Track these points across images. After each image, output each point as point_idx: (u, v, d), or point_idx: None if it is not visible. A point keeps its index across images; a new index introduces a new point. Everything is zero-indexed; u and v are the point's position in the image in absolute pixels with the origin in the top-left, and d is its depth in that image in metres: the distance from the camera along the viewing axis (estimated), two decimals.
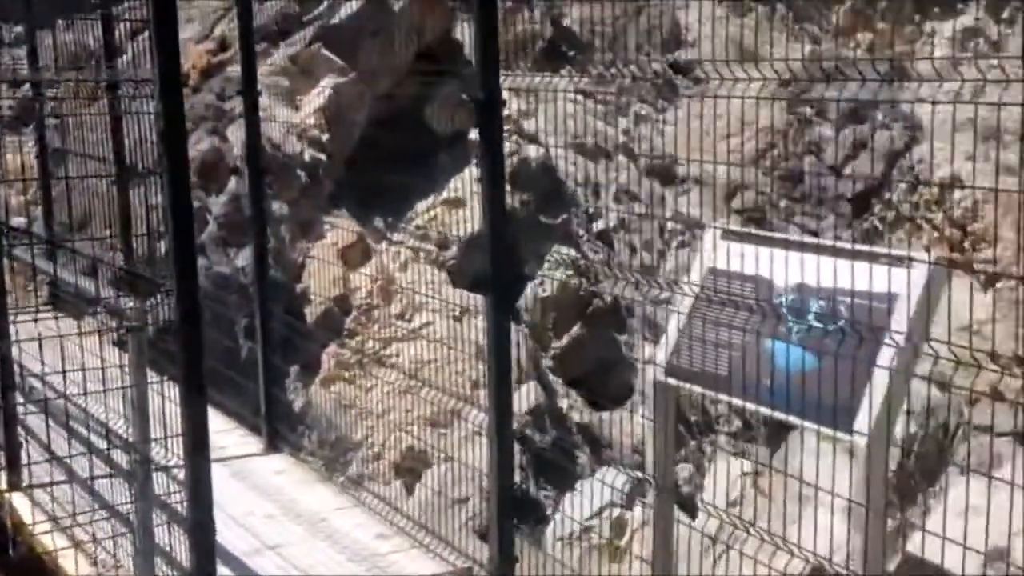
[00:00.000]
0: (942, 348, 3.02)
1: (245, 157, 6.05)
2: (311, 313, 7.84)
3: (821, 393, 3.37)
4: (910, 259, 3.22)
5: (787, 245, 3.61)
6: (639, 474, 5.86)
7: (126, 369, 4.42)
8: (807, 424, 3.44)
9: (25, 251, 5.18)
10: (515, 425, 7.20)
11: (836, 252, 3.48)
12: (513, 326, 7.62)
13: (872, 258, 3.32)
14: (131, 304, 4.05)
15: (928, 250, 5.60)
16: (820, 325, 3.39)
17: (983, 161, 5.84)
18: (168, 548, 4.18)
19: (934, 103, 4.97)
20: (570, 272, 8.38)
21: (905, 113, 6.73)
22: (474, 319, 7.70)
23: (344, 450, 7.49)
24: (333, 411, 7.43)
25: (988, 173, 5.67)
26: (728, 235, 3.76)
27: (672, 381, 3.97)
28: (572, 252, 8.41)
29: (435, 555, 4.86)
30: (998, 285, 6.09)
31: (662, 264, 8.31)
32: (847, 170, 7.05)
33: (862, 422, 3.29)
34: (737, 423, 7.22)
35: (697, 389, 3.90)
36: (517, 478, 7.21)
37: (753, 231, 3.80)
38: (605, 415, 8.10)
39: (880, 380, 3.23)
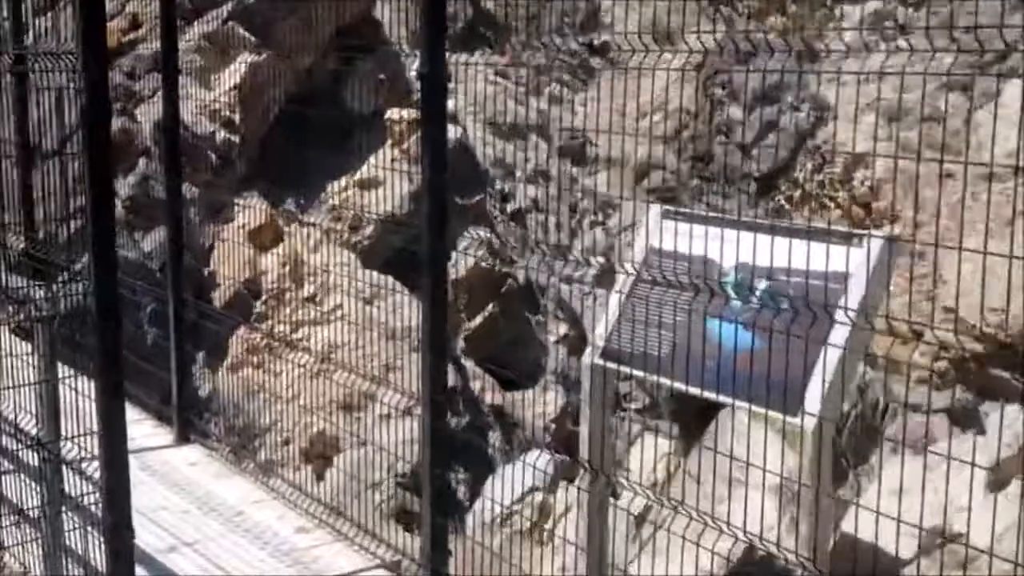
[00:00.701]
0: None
1: (162, 137, 5.67)
2: (219, 297, 7.48)
3: (763, 373, 3.22)
4: (869, 235, 3.09)
5: (731, 224, 3.45)
6: (567, 457, 5.68)
7: (30, 360, 4.07)
8: (755, 408, 3.29)
9: None
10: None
11: (781, 231, 3.34)
12: (424, 308, 7.40)
13: (821, 236, 3.17)
14: (41, 292, 3.69)
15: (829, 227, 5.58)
16: (766, 304, 3.23)
17: (885, 141, 5.82)
18: (81, 552, 3.84)
19: (839, 73, 4.87)
20: (484, 252, 8.18)
21: (813, 94, 6.68)
22: (384, 301, 7.45)
23: (252, 437, 7.18)
24: (241, 397, 7.10)
25: (890, 152, 5.65)
26: (669, 214, 3.58)
27: (608, 364, 3.79)
28: (486, 233, 8.21)
29: (359, 547, 4.61)
30: (898, 261, 6.11)
31: (574, 243, 8.17)
32: (755, 150, 6.99)
33: (811, 402, 3.15)
34: (646, 400, 7.12)
35: (637, 372, 3.72)
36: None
37: (695, 211, 3.63)
38: (517, 395, 7.94)
39: (830, 359, 3.09)
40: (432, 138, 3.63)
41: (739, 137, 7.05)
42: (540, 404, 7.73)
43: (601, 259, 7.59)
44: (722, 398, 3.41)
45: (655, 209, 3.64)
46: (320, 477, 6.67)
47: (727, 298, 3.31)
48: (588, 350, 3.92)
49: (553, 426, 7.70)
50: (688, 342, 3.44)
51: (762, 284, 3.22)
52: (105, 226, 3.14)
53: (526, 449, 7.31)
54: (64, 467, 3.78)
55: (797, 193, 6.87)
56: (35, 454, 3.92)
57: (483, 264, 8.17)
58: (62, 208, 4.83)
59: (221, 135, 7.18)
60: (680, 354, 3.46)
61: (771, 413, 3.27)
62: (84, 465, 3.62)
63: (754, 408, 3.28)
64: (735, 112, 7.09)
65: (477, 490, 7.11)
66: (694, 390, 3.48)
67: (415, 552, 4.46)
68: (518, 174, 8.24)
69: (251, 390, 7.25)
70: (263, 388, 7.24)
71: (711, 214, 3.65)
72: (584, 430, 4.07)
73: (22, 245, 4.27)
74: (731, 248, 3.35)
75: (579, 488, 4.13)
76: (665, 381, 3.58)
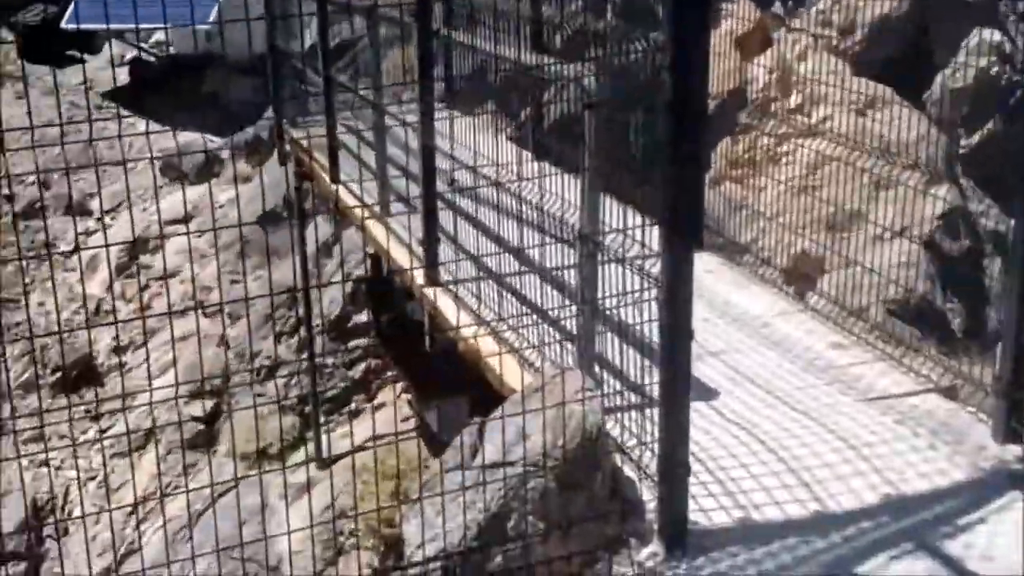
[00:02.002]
0: None
1: None
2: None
3: None
4: None
5: None
6: None
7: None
8: None
9: None
10: (925, 229, 6.12)
11: None
12: (918, 117, 6.46)
13: None
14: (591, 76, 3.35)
15: None
16: None
17: None
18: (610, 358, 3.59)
19: None
20: (992, 58, 6.99)
21: None
22: (879, 113, 6.59)
23: (732, 254, 6.75)
24: (722, 212, 6.64)
25: None
26: None
27: None
28: (994, 34, 7.00)
29: (908, 369, 4.01)
30: None
31: None
32: None
33: None
34: None
35: None
36: (921, 287, 6.22)
37: None
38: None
39: None
40: None
41: None
42: None
43: None
44: None
45: None
46: (802, 297, 6.15)
47: None
48: None
49: None
50: None
51: None
52: None
53: None
54: (613, 264, 3.50)
55: None
56: (579, 249, 3.67)
57: (992, 72, 7.00)
58: None
59: None
60: None
61: None
62: (636, 258, 3.30)
63: None
64: None
65: (973, 324, 6.25)
66: None
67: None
68: None
69: (732, 205, 6.78)
70: (745, 204, 6.74)
71: None
72: None
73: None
74: None
75: None
76: None
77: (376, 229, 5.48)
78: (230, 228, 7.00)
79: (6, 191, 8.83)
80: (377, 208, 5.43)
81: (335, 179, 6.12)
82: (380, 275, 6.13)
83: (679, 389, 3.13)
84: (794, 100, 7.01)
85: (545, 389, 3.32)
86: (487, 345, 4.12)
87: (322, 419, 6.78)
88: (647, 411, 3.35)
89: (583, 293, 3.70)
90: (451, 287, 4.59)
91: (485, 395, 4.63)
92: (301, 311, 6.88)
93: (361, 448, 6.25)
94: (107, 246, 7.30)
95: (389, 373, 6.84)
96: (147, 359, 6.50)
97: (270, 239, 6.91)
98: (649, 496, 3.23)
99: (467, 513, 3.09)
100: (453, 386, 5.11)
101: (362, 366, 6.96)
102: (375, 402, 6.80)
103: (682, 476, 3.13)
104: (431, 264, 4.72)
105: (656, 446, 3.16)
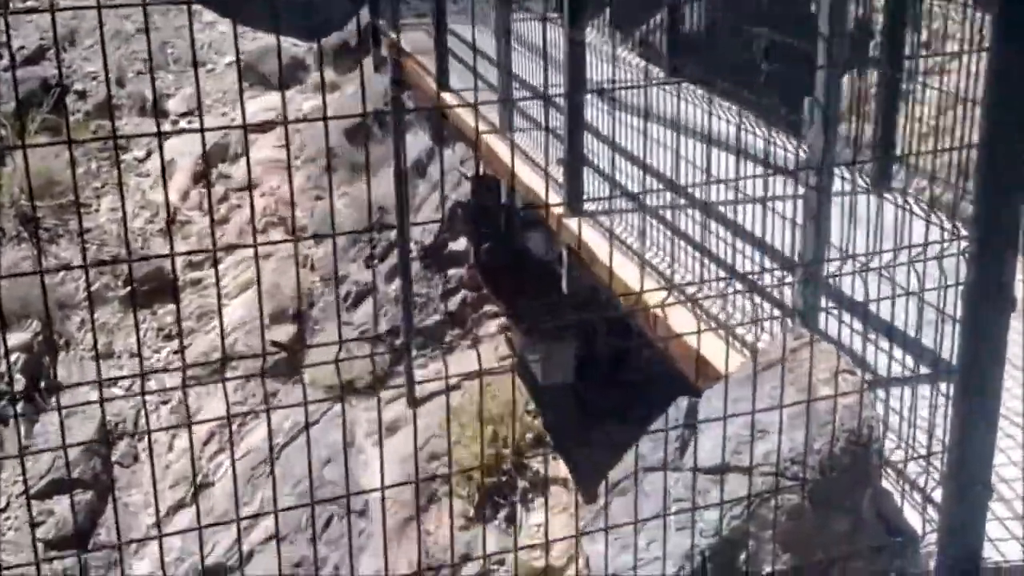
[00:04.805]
0: None
1: None
2: None
3: None
4: None
5: None
6: None
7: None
8: None
9: None
10: None
11: None
12: None
13: None
14: None
15: None
16: None
17: None
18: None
19: None
20: None
21: None
22: None
23: None
24: None
25: None
26: None
27: None
28: None
29: None
30: None
31: None
32: None
33: None
34: None
35: None
36: None
37: None
38: None
39: None
40: None
41: None
42: None
43: None
44: None
45: None
46: None
47: None
48: None
49: None
50: None
51: None
52: None
53: None
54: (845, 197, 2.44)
55: None
56: (801, 181, 2.60)
57: None
58: None
59: None
60: None
61: None
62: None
63: None
64: None
65: None
66: None
67: None
68: None
69: None
70: None
71: None
72: None
73: None
74: None
75: None
76: None
77: (497, 147, 4.41)
78: (315, 137, 5.95)
79: (78, 87, 7.77)
80: (499, 120, 4.36)
81: (443, 87, 5.02)
82: (488, 199, 5.09)
83: (988, 381, 2.09)
84: (920, 36, 5.86)
85: (786, 366, 2.28)
86: (656, 298, 3.07)
87: (414, 353, 5.80)
88: (912, 408, 2.34)
89: (812, 240, 2.64)
90: (601, 219, 3.52)
91: (638, 350, 3.61)
92: (393, 235, 5.87)
93: (455, 387, 5.29)
94: (200, 130, 6.24)
95: (487, 308, 5.84)
96: (235, 276, 5.48)
97: (359, 154, 5.86)
98: (919, 521, 2.21)
99: (692, 536, 2.09)
100: (588, 334, 4.10)
101: (458, 298, 5.95)
102: (471, 338, 5.81)
103: (981, 499, 2.10)
104: (576, 190, 3.66)
105: (942, 458, 2.14)
